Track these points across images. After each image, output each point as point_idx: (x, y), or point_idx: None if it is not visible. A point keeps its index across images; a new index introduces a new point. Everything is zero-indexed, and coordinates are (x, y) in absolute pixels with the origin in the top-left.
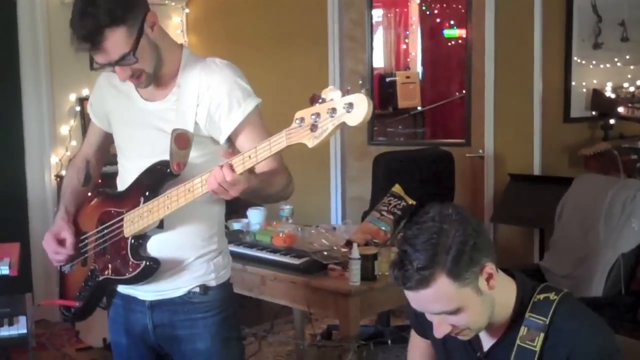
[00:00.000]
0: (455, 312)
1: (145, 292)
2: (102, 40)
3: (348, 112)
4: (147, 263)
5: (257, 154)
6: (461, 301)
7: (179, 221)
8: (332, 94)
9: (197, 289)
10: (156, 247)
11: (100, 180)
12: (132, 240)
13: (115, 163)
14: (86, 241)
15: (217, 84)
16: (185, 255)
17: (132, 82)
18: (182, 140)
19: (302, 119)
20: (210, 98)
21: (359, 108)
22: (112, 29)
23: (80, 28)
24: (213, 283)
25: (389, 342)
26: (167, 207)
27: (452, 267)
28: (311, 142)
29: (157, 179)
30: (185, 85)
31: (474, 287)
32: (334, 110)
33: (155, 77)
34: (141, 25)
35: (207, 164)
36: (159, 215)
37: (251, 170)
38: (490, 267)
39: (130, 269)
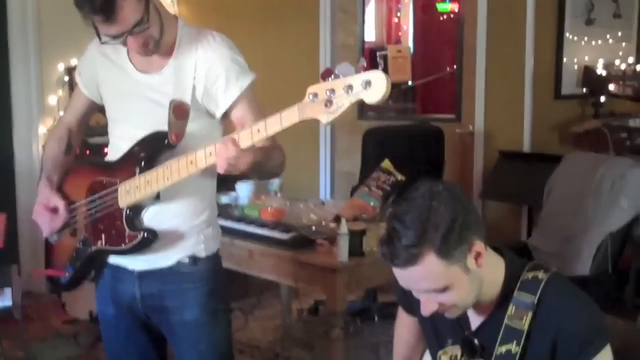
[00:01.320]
0: (443, 290)
1: (134, 262)
2: (117, 9)
3: (365, 89)
4: (145, 235)
5: (267, 127)
6: (449, 279)
7: (175, 192)
8: (345, 70)
9: (187, 260)
10: (151, 218)
11: (89, 152)
12: (128, 211)
13: (103, 134)
14: (76, 211)
15: (215, 58)
16: (178, 226)
17: (140, 52)
18: (179, 111)
19: (315, 94)
20: (207, 71)
21: (377, 85)
22: None
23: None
24: (202, 254)
25: (376, 318)
26: (167, 179)
27: (441, 245)
28: (326, 117)
29: (153, 150)
30: (182, 57)
31: (462, 266)
32: (350, 87)
33: (159, 45)
34: None
35: (203, 137)
36: (158, 186)
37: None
38: (479, 246)
39: (127, 240)
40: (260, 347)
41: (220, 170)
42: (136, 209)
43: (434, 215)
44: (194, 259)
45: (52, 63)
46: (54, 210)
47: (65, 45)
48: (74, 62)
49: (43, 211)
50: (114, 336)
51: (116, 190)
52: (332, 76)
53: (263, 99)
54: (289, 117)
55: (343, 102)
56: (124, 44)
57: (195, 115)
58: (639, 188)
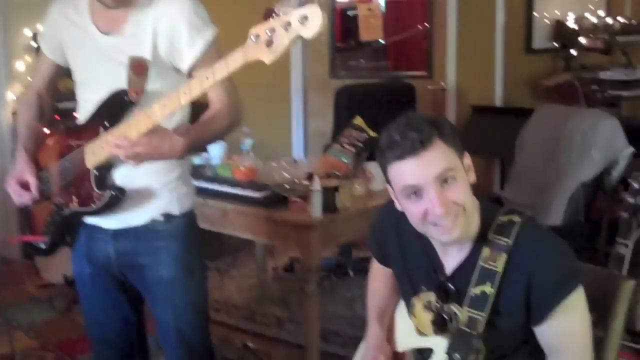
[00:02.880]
0: (453, 177)
1: (109, 221)
2: None
3: (303, 24)
4: (113, 193)
5: (215, 73)
6: (457, 165)
7: None
8: (285, 8)
9: (161, 218)
10: (120, 176)
11: (58, 117)
12: (96, 172)
13: (72, 99)
14: (49, 176)
15: (176, 11)
16: (149, 183)
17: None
18: (138, 67)
19: (257, 36)
20: (169, 25)
21: (313, 20)
22: None
23: None
24: (176, 211)
25: (351, 273)
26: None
27: (449, 134)
28: (267, 57)
29: (115, 108)
30: (142, 12)
31: (462, 164)
32: (288, 24)
33: None
34: None
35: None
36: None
37: (187, 127)
38: (468, 159)
39: (96, 200)
40: (237, 305)
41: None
42: (104, 169)
43: (434, 117)
44: (168, 217)
45: (18, 28)
46: (25, 186)
47: (32, 10)
48: (41, 27)
49: (14, 184)
50: (91, 296)
51: (83, 152)
52: (274, 15)
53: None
54: (233, 61)
55: (283, 41)
56: None
57: (160, 71)
58: (610, 139)
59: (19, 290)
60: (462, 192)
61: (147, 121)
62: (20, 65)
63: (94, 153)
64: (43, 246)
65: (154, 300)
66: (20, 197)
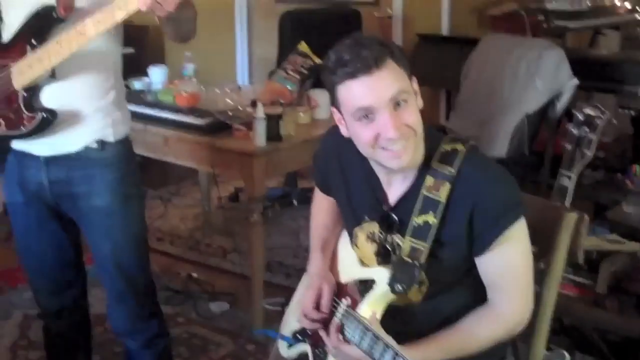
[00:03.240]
0: (405, 100)
1: (40, 147)
2: None
3: None
4: (44, 115)
5: None
6: (408, 87)
7: (72, 70)
8: None
9: (94, 144)
10: (50, 98)
11: None
12: (24, 93)
13: None
14: None
15: None
16: (81, 107)
17: None
18: None
19: None
20: None
21: None
22: None
23: None
24: (111, 138)
25: (295, 203)
26: (58, 54)
27: (399, 56)
28: None
29: (43, 25)
30: None
31: (412, 87)
32: None
33: None
34: None
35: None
36: (50, 63)
37: None
38: (416, 84)
39: (26, 123)
40: (181, 235)
41: (143, 6)
42: (33, 90)
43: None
44: (102, 144)
45: None
46: None
47: None
48: None
49: None
50: (24, 225)
51: (9, 73)
52: None
53: None
54: None
55: None
56: None
57: None
58: (555, 69)
59: None
60: (414, 115)
61: (79, 38)
62: None
63: (22, 73)
64: None
65: (90, 231)
66: None
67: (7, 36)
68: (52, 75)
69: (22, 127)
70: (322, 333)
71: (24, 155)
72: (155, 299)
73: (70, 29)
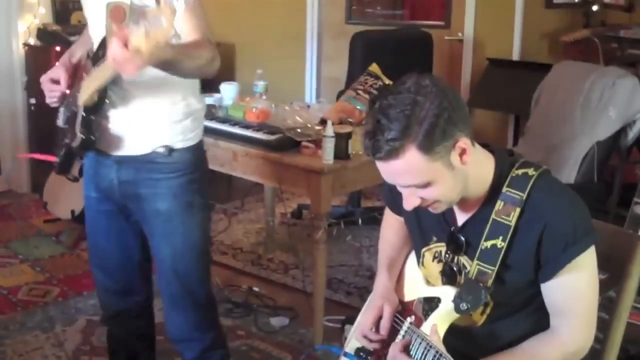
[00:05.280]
0: (425, 185)
1: (113, 148)
2: None
3: None
4: (83, 137)
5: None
6: (431, 175)
7: (142, 87)
8: None
9: (162, 149)
10: (118, 111)
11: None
12: (83, 113)
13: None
14: (71, 101)
15: None
16: (153, 114)
17: None
18: (117, 14)
19: None
20: None
21: None
22: None
23: None
24: (179, 145)
25: (359, 222)
26: (97, 79)
27: (424, 140)
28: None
29: (100, 55)
30: None
31: (446, 161)
32: None
33: None
34: None
35: None
36: (94, 88)
37: (167, 43)
38: (463, 142)
39: (74, 138)
40: (243, 249)
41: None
42: (91, 111)
43: (418, 109)
44: (170, 150)
45: None
46: (56, 82)
47: None
48: None
49: (46, 81)
50: (95, 221)
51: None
52: None
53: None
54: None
55: None
56: None
57: (145, 11)
58: (627, 98)
59: (26, 224)
60: (439, 191)
61: (106, 70)
62: None
63: (82, 92)
64: (55, 164)
65: (152, 234)
66: (50, 92)
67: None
68: (103, 101)
69: (72, 142)
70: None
71: (100, 153)
72: (214, 311)
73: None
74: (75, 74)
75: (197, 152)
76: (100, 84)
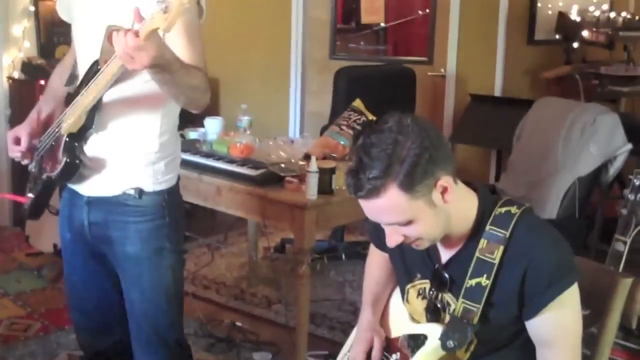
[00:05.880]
0: (407, 223)
1: (84, 187)
2: None
3: None
4: (67, 160)
5: (141, 33)
6: (413, 213)
7: (117, 120)
8: None
9: (132, 191)
10: (93, 144)
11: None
12: (67, 139)
13: None
14: (46, 141)
15: None
16: (121, 155)
17: None
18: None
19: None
20: None
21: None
22: None
23: None
24: (150, 188)
25: (343, 256)
26: (87, 101)
27: (405, 179)
28: (164, 24)
29: (91, 77)
30: None
31: (427, 200)
32: None
33: None
34: None
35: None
36: (83, 107)
37: (166, 46)
38: (445, 181)
39: (57, 166)
40: (226, 284)
41: (116, 51)
42: (74, 137)
43: (399, 148)
44: (140, 192)
45: None
46: (17, 141)
47: None
48: None
49: (9, 139)
50: (71, 262)
51: (62, 119)
52: None
53: (234, 39)
54: (151, 23)
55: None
56: None
57: None
58: (608, 134)
59: (8, 258)
60: (420, 231)
61: (105, 78)
62: (17, 30)
63: (67, 120)
64: (26, 207)
65: (123, 277)
66: (11, 151)
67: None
68: (90, 123)
69: (55, 170)
70: None
71: (74, 194)
72: (186, 357)
73: (96, 76)
74: (44, 129)
75: (169, 196)
76: (100, 93)
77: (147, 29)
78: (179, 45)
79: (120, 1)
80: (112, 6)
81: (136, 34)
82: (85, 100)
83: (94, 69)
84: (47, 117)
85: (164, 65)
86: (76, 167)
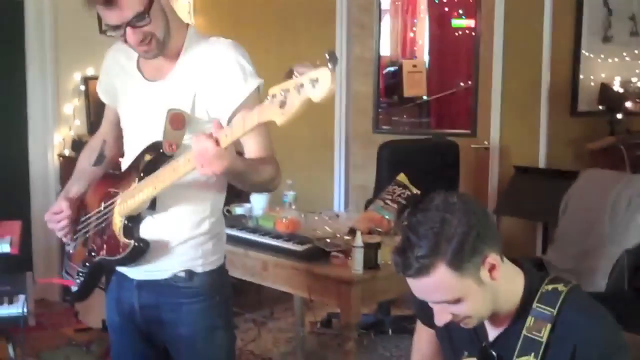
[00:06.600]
0: (456, 301)
1: (134, 271)
2: None
3: (313, 87)
4: (135, 244)
5: (233, 131)
6: (461, 291)
7: (170, 203)
8: (303, 69)
9: (183, 274)
10: (146, 228)
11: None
12: (126, 221)
13: None
14: (88, 221)
15: (219, 62)
16: (172, 238)
17: (141, 50)
18: (176, 121)
19: (274, 95)
20: (212, 76)
21: (322, 83)
22: None
23: None
24: (199, 269)
25: (389, 331)
26: (155, 188)
27: (453, 257)
28: (279, 119)
29: (151, 160)
30: (186, 63)
31: (476, 278)
32: (301, 85)
33: (163, 47)
34: None
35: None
36: (147, 195)
37: (239, 153)
38: (493, 258)
39: (121, 250)
40: (273, 359)
41: (193, 158)
42: (133, 219)
43: (447, 227)
44: (191, 274)
45: (68, 72)
46: (59, 212)
47: (82, 54)
48: (90, 71)
49: (50, 216)
50: (119, 344)
51: (116, 201)
52: (294, 75)
53: None
54: (250, 119)
55: (294, 102)
56: (124, 38)
57: (200, 124)
58: None
59: (57, 334)
60: (468, 309)
61: (172, 174)
62: (68, 109)
63: (125, 202)
64: (74, 289)
65: (176, 357)
66: (58, 224)
67: (125, 164)
68: (152, 207)
69: (117, 254)
70: None
71: (123, 277)
72: None
73: (167, 165)
74: (77, 210)
75: (220, 274)
76: (166, 185)
77: (235, 135)
78: (251, 135)
79: (178, 86)
80: (169, 91)
81: (217, 142)
82: (147, 185)
83: (154, 151)
84: (78, 198)
85: (234, 174)
86: (143, 251)
